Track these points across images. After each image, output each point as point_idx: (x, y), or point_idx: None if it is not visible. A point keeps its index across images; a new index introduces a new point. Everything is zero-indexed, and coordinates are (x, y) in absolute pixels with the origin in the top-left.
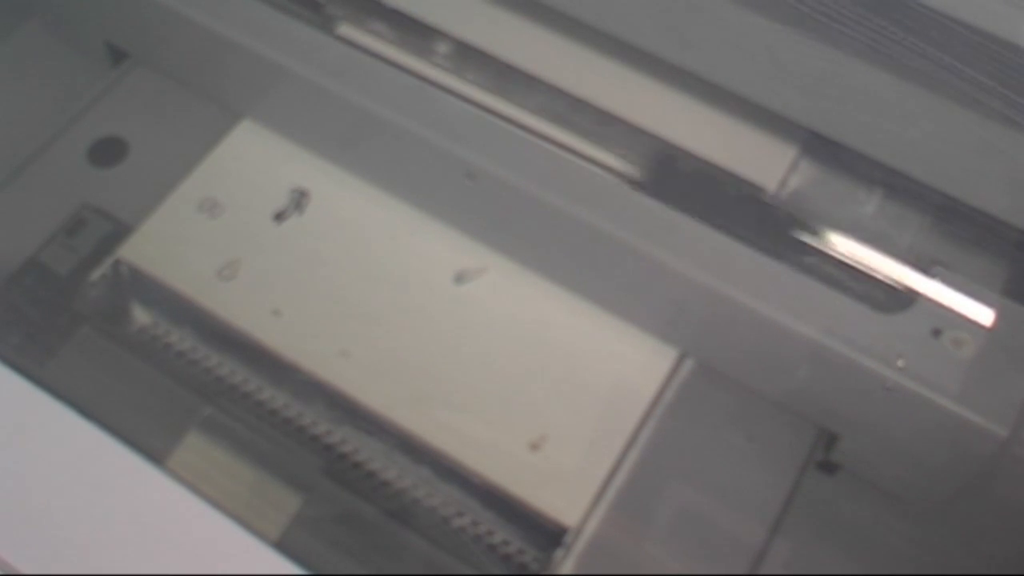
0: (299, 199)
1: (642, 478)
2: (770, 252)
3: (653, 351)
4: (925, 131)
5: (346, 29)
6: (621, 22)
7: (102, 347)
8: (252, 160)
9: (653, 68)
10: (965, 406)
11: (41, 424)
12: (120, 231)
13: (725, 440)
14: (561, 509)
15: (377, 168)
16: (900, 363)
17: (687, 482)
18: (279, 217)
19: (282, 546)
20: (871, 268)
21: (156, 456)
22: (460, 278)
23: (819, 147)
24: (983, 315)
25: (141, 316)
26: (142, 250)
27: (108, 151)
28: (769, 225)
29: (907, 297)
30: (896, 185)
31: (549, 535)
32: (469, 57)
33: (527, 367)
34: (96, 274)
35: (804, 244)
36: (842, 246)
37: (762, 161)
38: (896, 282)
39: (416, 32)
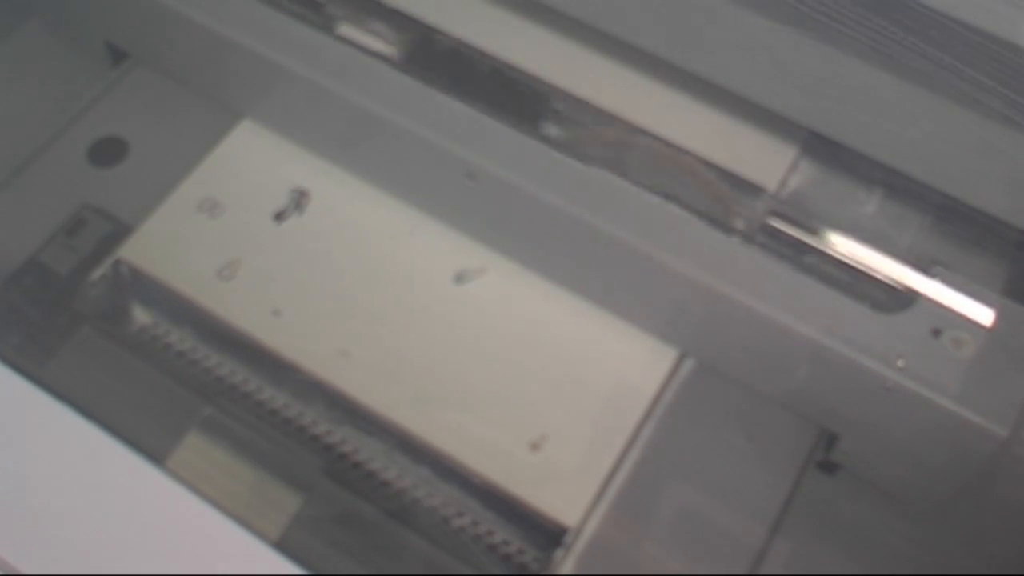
0: (299, 199)
1: (642, 478)
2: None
3: (653, 351)
4: (925, 131)
5: (346, 29)
6: (621, 22)
7: (102, 347)
8: (252, 160)
9: (653, 68)
10: (965, 406)
11: (41, 424)
12: (120, 231)
13: (725, 440)
14: (561, 509)
15: (377, 168)
16: (900, 363)
17: (687, 482)
18: (279, 217)
19: (282, 546)
20: (871, 268)
21: (156, 456)
22: (460, 278)
23: (819, 147)
24: (983, 315)
25: (141, 316)
26: (142, 250)
27: (108, 151)
28: None
29: (907, 297)
30: (896, 185)
31: (549, 535)
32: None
33: (527, 367)
34: (96, 274)
35: (804, 244)
36: (842, 246)
37: (762, 161)
38: (896, 282)
39: (416, 32)
